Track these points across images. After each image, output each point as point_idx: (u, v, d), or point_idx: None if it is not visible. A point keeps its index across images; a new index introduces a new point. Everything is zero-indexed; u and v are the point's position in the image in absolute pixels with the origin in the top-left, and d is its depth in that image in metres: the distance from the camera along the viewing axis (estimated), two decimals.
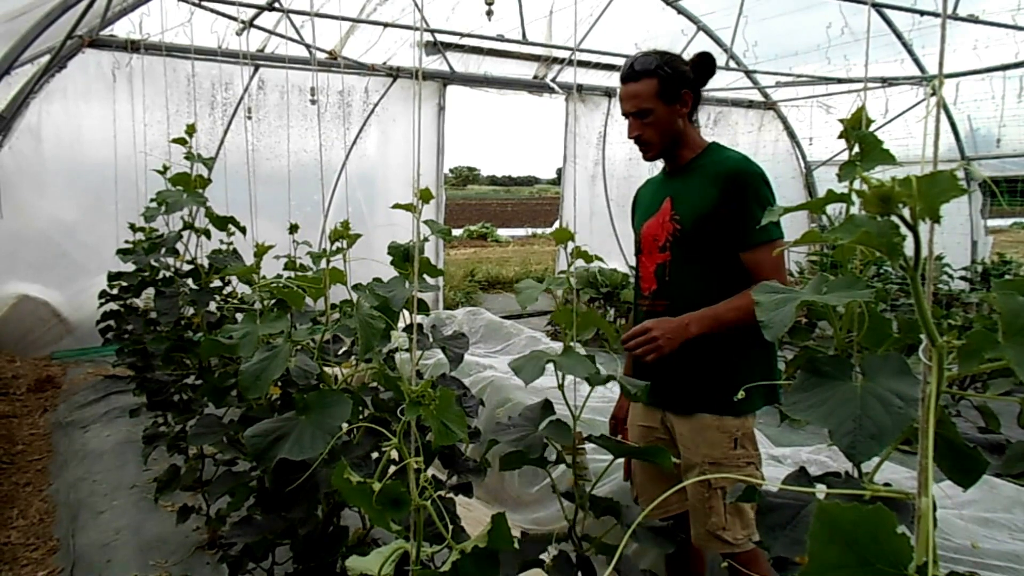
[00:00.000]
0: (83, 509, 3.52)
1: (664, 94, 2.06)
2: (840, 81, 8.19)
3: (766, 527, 0.80)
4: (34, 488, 3.88)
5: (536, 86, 8.64)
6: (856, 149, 0.97)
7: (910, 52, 7.93)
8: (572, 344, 1.47)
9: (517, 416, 1.56)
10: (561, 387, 1.46)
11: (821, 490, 0.83)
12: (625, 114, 2.14)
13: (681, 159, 2.17)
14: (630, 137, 2.15)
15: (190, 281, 2.94)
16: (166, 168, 3.00)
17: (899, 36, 7.69)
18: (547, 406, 1.55)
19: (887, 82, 8.16)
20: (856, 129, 0.98)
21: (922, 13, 6.68)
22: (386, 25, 6.72)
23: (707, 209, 2.03)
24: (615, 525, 1.54)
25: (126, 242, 3.92)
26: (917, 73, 8.09)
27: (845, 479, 0.87)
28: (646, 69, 2.06)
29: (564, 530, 1.52)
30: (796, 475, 0.91)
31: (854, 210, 0.87)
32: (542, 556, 1.43)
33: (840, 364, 0.88)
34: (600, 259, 1.62)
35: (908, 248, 0.58)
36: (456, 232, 22.15)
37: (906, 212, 0.54)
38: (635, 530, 1.53)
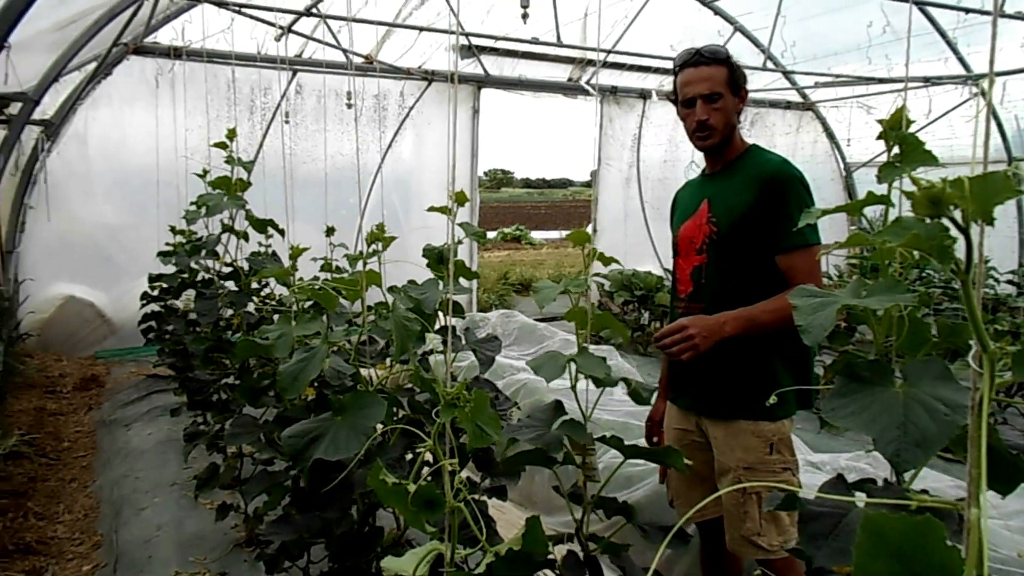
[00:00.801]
0: (126, 505, 3.60)
1: (732, 84, 2.05)
2: (881, 81, 8.03)
3: (808, 536, 0.78)
4: (79, 484, 3.98)
5: (570, 88, 8.63)
6: (896, 150, 0.95)
7: (954, 51, 7.74)
8: (586, 345, 1.47)
9: (526, 417, 1.56)
10: (574, 388, 1.46)
11: (862, 499, 0.81)
12: (691, 98, 2.06)
13: (725, 157, 2.14)
14: (697, 120, 2.06)
15: (229, 283, 2.99)
16: (206, 172, 3.06)
17: (943, 34, 7.52)
18: (559, 406, 1.55)
19: (930, 81, 7.97)
20: (895, 130, 0.96)
21: (967, 11, 6.52)
22: (422, 29, 6.77)
23: (744, 211, 2.01)
24: (622, 526, 1.54)
25: (167, 244, 4.01)
26: (962, 72, 7.90)
27: (885, 486, 0.85)
28: (718, 56, 2.05)
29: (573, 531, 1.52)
30: (833, 482, 0.89)
31: (894, 212, 0.85)
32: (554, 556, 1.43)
33: (880, 369, 0.86)
34: (617, 261, 1.62)
35: (958, 251, 0.57)
36: (490, 235, 22.20)
37: (957, 214, 0.52)
38: (648, 530, 1.53)
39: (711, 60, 2.04)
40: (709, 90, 2.04)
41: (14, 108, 5.64)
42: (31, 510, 3.48)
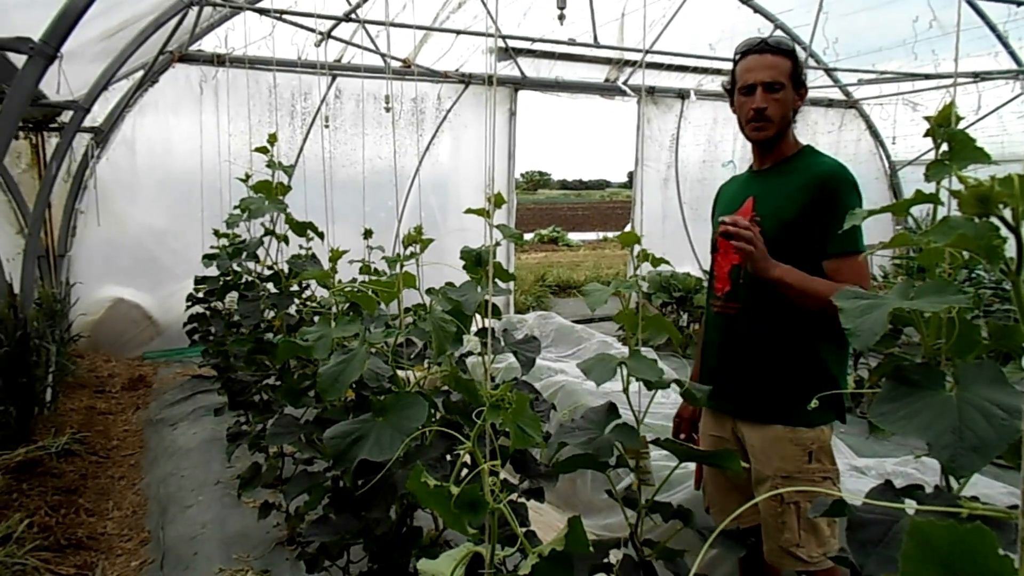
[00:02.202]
0: (172, 503, 3.68)
1: (794, 77, 2.02)
2: (928, 77, 7.83)
3: (857, 543, 0.76)
4: (128, 482, 4.09)
5: (607, 89, 8.58)
6: (944, 148, 0.92)
7: (1005, 45, 7.52)
8: (638, 348, 1.44)
9: (579, 419, 1.54)
10: (626, 391, 1.43)
11: (912, 506, 0.79)
12: (751, 84, 2.01)
13: (776, 155, 2.09)
14: (754, 108, 2.01)
15: (270, 285, 3.04)
16: (248, 176, 3.11)
17: (993, 28, 7.31)
18: (612, 409, 1.53)
19: (980, 77, 7.75)
20: (943, 127, 0.94)
21: (1019, 3, 6.32)
22: (459, 33, 6.81)
23: (792, 215, 1.96)
24: (679, 531, 1.51)
25: (211, 247, 4.09)
26: (1013, 67, 7.66)
27: (935, 493, 0.83)
28: (783, 47, 2.01)
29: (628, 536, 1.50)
30: (881, 488, 0.87)
31: (942, 211, 0.83)
32: (611, 560, 1.41)
33: (930, 372, 0.83)
34: (667, 262, 1.59)
35: (1008, 251, 0.55)
36: (527, 236, 22.18)
37: (1007, 213, 0.51)
38: (705, 534, 1.50)
39: (776, 50, 2.00)
40: (771, 78, 1.99)
41: (66, 116, 5.83)
42: (82, 506, 3.59)
